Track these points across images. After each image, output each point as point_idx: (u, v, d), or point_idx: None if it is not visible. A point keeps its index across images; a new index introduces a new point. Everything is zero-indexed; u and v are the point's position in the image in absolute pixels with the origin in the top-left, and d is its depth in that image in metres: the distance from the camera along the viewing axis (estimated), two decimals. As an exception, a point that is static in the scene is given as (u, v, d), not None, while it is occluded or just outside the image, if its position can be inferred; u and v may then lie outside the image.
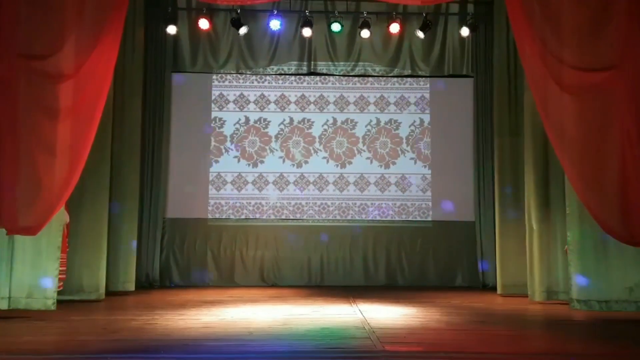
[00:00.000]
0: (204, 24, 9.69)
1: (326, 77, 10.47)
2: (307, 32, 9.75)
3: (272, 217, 10.16)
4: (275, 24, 9.70)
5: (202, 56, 10.26)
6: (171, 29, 9.71)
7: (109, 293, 8.19)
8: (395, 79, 10.50)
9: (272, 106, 10.41)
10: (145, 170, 9.77)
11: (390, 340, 5.11)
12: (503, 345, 5.23)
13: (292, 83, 10.49)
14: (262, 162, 10.27)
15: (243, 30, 9.70)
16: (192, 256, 10.02)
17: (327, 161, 10.32)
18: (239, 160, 10.26)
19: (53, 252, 6.86)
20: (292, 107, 10.42)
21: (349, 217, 10.18)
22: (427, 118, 10.43)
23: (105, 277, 8.03)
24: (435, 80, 10.51)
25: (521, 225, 8.47)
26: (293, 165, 10.29)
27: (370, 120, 10.42)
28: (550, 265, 8.04)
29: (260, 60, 10.32)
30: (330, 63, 10.41)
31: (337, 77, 10.46)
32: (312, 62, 10.37)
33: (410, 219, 10.19)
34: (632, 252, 6.86)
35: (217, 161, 10.25)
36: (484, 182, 10.02)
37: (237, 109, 10.39)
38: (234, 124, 10.33)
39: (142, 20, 9.54)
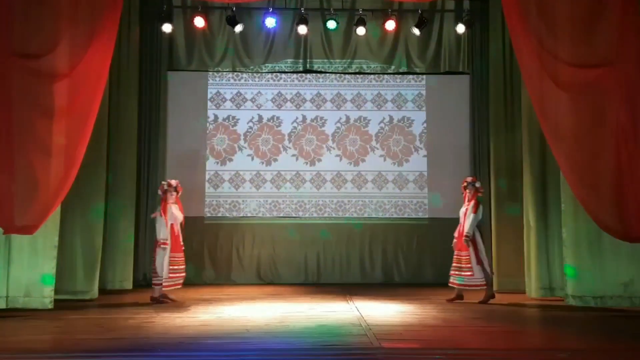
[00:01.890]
0: (199, 22, 9.67)
1: (321, 74, 10.46)
2: (302, 29, 9.73)
3: (269, 215, 10.15)
4: (270, 22, 9.69)
5: (197, 54, 10.25)
6: (166, 27, 9.68)
7: (107, 292, 8.20)
8: (391, 76, 10.50)
9: (266, 104, 10.38)
10: (142, 169, 9.75)
11: (387, 337, 5.13)
12: (500, 341, 5.26)
13: (288, 81, 10.46)
14: (257, 160, 10.26)
15: (238, 28, 9.68)
16: (189, 254, 9.98)
17: (324, 159, 10.30)
18: (251, 158, 10.25)
19: (50, 251, 6.86)
20: (287, 104, 10.39)
21: (346, 215, 10.17)
22: (423, 115, 10.43)
23: (101, 276, 8.03)
24: (431, 78, 10.51)
25: (517, 222, 8.48)
26: (291, 163, 10.27)
27: (384, 118, 10.39)
28: (547, 261, 8.07)
29: (256, 58, 10.30)
30: (326, 60, 10.39)
31: (332, 74, 10.45)
32: (308, 60, 10.35)
33: (406, 216, 10.19)
34: (626, 247, 6.90)
35: (212, 160, 10.24)
36: (480, 178, 9.98)
37: (233, 107, 10.37)
38: (229, 122, 10.32)
39: (137, 18, 9.52)
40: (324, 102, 10.43)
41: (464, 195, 7.83)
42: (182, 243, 7.77)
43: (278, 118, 10.37)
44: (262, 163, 10.27)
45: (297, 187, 10.21)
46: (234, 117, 10.35)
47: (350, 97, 10.44)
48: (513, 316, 6.79)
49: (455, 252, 7.66)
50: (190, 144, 10.24)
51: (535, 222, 8.12)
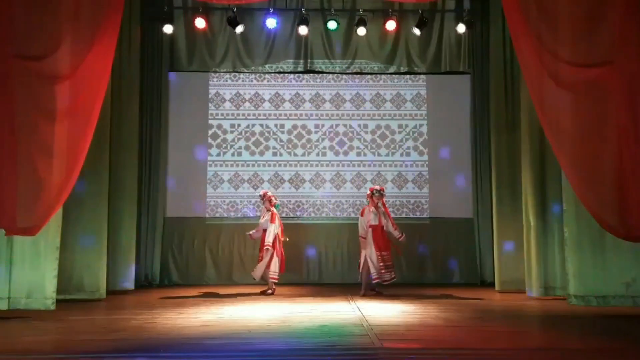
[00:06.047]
0: (200, 23, 9.70)
1: (322, 75, 10.48)
2: (303, 30, 9.76)
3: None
4: (271, 23, 9.71)
5: (198, 55, 10.27)
6: (167, 28, 9.71)
7: (109, 292, 8.20)
8: (391, 77, 10.51)
9: (266, 104, 10.42)
10: (144, 170, 9.78)
11: (389, 337, 5.14)
12: (501, 341, 5.26)
13: (289, 81, 10.49)
14: (258, 161, 10.28)
15: (239, 29, 9.70)
16: (190, 255, 10.03)
17: (324, 160, 10.32)
18: (236, 159, 10.28)
19: (51, 252, 6.87)
20: (287, 105, 10.43)
21: (345, 215, 10.18)
22: (423, 115, 10.44)
23: (105, 277, 8.05)
24: (432, 77, 10.52)
25: (519, 221, 8.48)
26: (291, 163, 10.30)
27: (368, 118, 10.43)
28: (548, 261, 8.07)
29: (257, 58, 10.32)
30: (326, 61, 10.41)
31: (333, 75, 10.47)
32: (309, 60, 10.37)
33: (407, 216, 10.19)
34: (629, 247, 6.89)
35: (214, 160, 10.26)
36: (481, 178, 10.02)
37: (234, 108, 10.39)
38: (230, 123, 10.34)
39: (139, 19, 9.54)
40: (343, 102, 10.46)
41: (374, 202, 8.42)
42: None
43: (305, 118, 10.41)
44: (278, 164, 10.32)
45: (317, 188, 10.27)
46: (217, 118, 10.32)
47: (370, 97, 10.51)
48: (514, 316, 6.78)
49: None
50: (191, 144, 10.26)
51: (535, 221, 8.12)
